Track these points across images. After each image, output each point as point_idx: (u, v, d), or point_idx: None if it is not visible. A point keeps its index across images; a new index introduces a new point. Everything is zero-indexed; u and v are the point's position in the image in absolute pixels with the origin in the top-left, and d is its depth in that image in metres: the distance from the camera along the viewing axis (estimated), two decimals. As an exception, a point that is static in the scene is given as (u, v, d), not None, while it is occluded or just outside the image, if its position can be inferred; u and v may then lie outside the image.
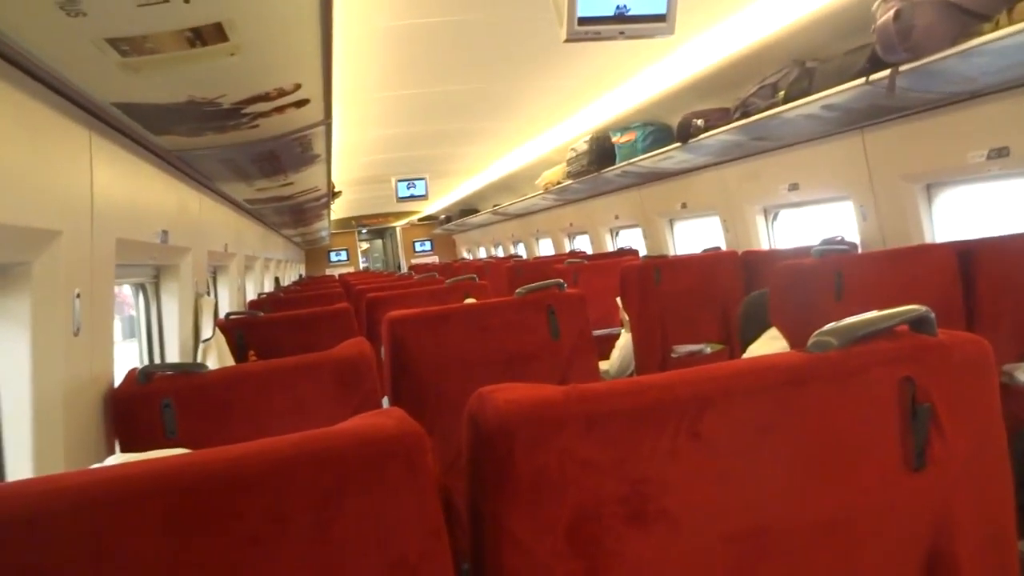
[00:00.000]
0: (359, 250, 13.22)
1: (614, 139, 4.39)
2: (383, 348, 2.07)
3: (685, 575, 0.73)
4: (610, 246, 6.05)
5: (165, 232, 2.18)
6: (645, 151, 4.08)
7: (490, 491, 0.70)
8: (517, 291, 2.07)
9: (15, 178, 1.21)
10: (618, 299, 3.38)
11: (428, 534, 0.66)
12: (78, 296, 1.45)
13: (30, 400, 1.33)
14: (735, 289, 3.24)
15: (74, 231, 1.44)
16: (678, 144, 3.65)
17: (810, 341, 0.79)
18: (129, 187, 1.87)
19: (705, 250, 3.81)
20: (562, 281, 2.11)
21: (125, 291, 2.56)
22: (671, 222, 4.99)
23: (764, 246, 3.93)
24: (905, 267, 2.11)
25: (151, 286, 2.45)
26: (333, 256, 12.56)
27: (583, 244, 6.80)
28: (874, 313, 0.80)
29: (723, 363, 0.79)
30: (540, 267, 4.62)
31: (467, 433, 0.74)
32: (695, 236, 4.75)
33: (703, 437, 0.72)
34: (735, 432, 0.74)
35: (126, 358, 2.34)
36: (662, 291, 3.23)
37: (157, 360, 2.47)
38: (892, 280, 2.14)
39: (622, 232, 6.01)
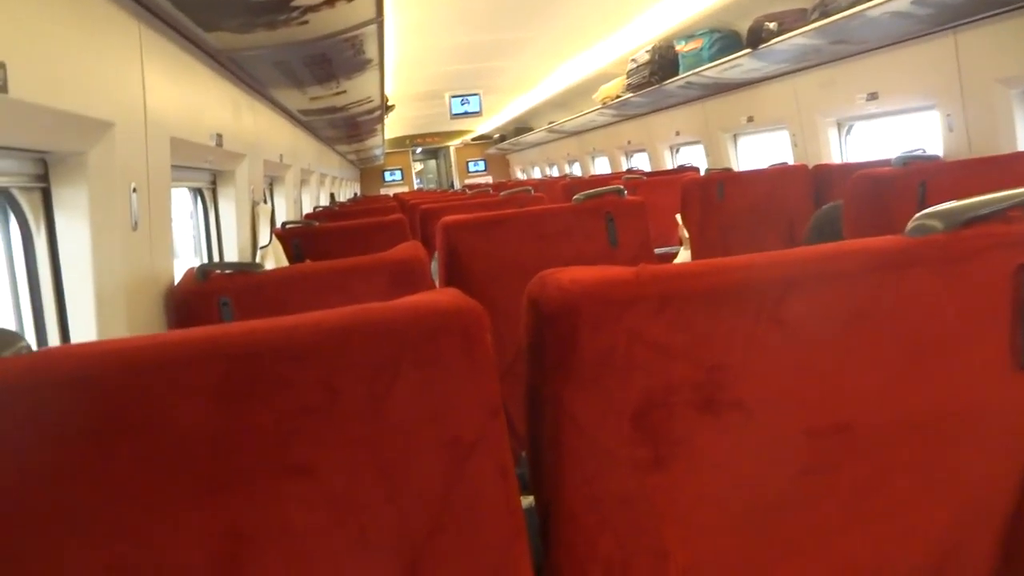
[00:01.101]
0: (413, 171, 13.18)
1: (678, 48, 4.16)
2: (437, 255, 2.04)
3: (759, 470, 0.68)
4: (670, 164, 5.84)
5: (219, 136, 2.16)
6: (711, 60, 3.85)
7: (552, 374, 0.66)
8: (575, 197, 2.00)
9: (66, 66, 1.18)
10: (678, 216, 3.26)
11: (485, 414, 0.63)
12: (134, 191, 1.45)
13: (93, 294, 1.34)
14: (804, 205, 3.09)
15: (127, 124, 1.42)
16: (748, 51, 3.42)
17: (909, 226, 0.71)
18: (181, 86, 1.84)
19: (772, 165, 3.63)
20: (622, 187, 2.02)
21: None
22: (735, 138, 4.76)
23: (836, 162, 3.72)
24: (997, 176, 1.95)
25: (208, 191, 2.46)
26: (387, 176, 12.55)
27: (641, 163, 6.58)
28: (985, 196, 0.71)
29: (812, 246, 0.71)
30: (596, 184, 4.50)
31: (527, 317, 0.69)
32: (760, 153, 4.53)
33: (786, 323, 0.66)
34: (822, 319, 0.67)
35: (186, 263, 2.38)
36: (725, 206, 3.10)
37: (216, 266, 2.50)
38: (983, 190, 1.98)
39: (683, 150, 5.79)
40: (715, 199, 3.09)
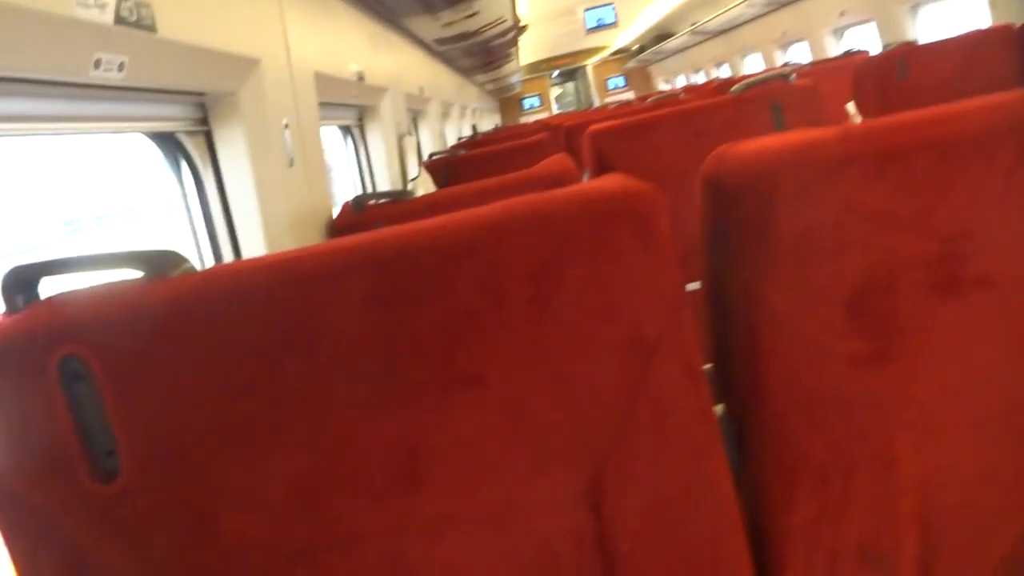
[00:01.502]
0: (551, 96, 12.94)
1: (841, -89, 3.63)
2: (586, 168, 1.95)
3: (1016, 360, 0.55)
4: (833, 52, 5.24)
5: (360, 70, 2.17)
6: (883, -82, 3.32)
7: (742, 262, 0.56)
8: (733, 88, 1.81)
9: (211, 5, 1.20)
10: (849, 106, 2.90)
11: (668, 308, 0.55)
12: (286, 127, 1.47)
13: (260, 228, 1.40)
14: (1011, 75, 2.62)
15: (272, 61, 1.43)
16: None
17: None
18: (319, 22, 1.85)
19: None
20: (790, 71, 1.80)
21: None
22: (914, 9, 4.15)
23: (1048, 19, 3.12)
24: None
25: (356, 129, 2.51)
26: (526, 103, 12.42)
27: (799, 55, 5.97)
28: None
29: None
30: (750, 82, 4.12)
31: (704, 202, 0.60)
32: (946, 26, 3.91)
33: (1054, 173, 0.52)
34: None
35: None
36: (909, 87, 2.70)
37: (370, 201, 2.57)
38: None
39: (848, 35, 5.15)
40: (895, 79, 2.70)
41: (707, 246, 0.62)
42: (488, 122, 9.15)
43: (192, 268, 0.60)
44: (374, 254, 0.56)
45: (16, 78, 0.80)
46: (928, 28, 4.10)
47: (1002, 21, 3.16)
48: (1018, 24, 2.92)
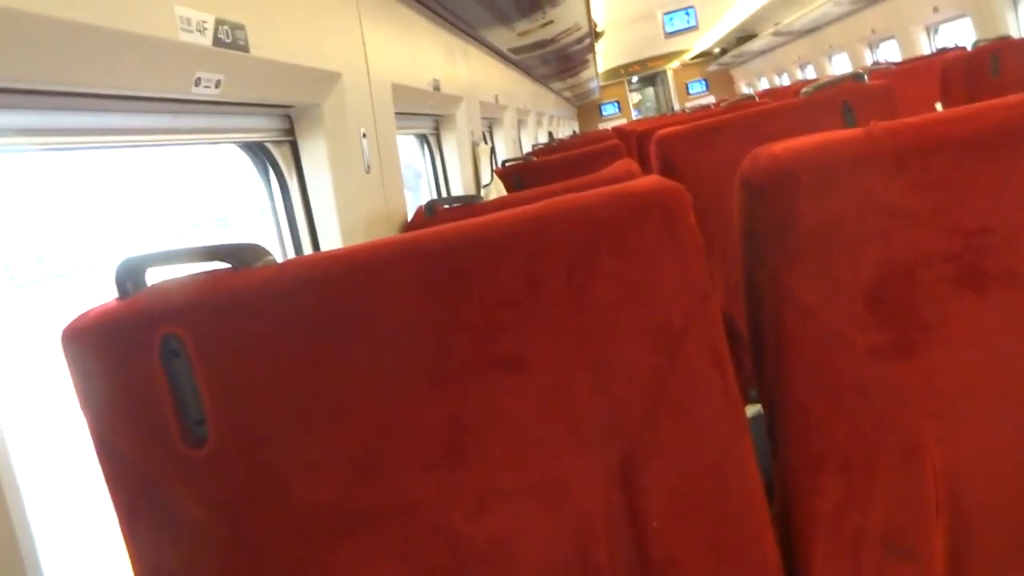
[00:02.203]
0: (630, 102, 12.86)
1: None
2: (654, 173, 1.97)
3: (1041, 354, 0.56)
4: (926, 50, 5.02)
5: (436, 80, 2.27)
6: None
7: (769, 254, 0.60)
8: (803, 90, 1.79)
9: (296, 24, 1.30)
10: (938, 105, 2.79)
11: (694, 298, 0.59)
12: (364, 136, 1.57)
13: (339, 232, 1.50)
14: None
15: (352, 74, 1.53)
16: None
17: None
18: (397, 35, 1.95)
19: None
20: (862, 72, 1.77)
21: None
22: (1016, 3, 3.93)
23: None
24: None
25: (432, 137, 2.61)
26: (604, 110, 12.40)
27: (890, 54, 5.74)
28: None
29: None
30: (833, 83, 4.00)
31: (739, 200, 0.63)
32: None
33: (1078, 168, 0.53)
34: None
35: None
36: (1003, 85, 2.58)
37: (444, 207, 2.67)
38: None
39: (942, 30, 4.92)
40: (988, 77, 2.59)
41: (742, 242, 0.65)
42: (565, 129, 9.20)
43: (273, 260, 0.68)
44: (426, 247, 0.62)
45: (125, 95, 0.92)
46: (1030, 22, 3.88)
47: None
48: None
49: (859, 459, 0.60)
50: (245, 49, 1.07)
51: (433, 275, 0.62)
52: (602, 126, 11.71)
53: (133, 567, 0.70)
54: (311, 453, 0.66)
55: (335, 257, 0.65)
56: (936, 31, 4.97)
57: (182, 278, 0.67)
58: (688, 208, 0.59)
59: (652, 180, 0.61)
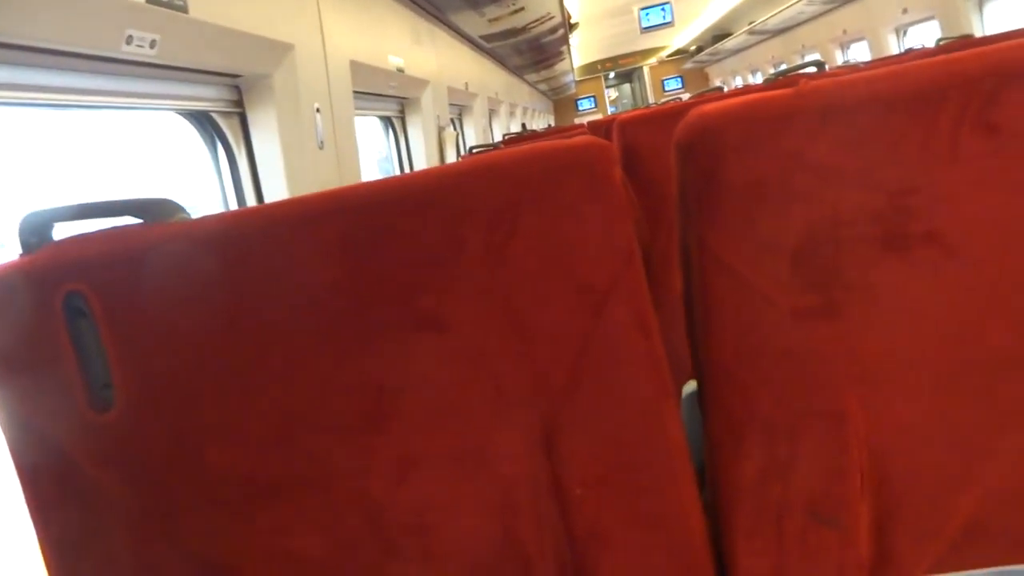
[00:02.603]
0: (607, 98, 12.88)
1: (901, -96, 3.53)
2: (617, 156, 1.96)
3: (968, 319, 0.55)
4: (895, 50, 5.08)
5: (400, 61, 2.23)
6: (944, -91, 3.22)
7: (696, 214, 0.58)
8: (764, 79, 1.79)
9: (244, -10, 1.27)
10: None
11: (618, 259, 0.57)
12: (318, 111, 1.54)
13: (290, 207, 1.47)
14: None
15: (306, 46, 1.50)
16: None
17: None
18: (358, 11, 1.91)
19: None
20: (822, 61, 1.77)
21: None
22: (980, 3, 3.99)
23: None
24: None
25: (398, 120, 2.57)
26: (581, 105, 12.40)
27: (861, 54, 5.80)
28: None
29: None
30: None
31: (674, 161, 0.62)
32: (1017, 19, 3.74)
33: (1001, 129, 0.51)
34: None
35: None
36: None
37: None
38: None
39: (911, 32, 4.99)
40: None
41: (677, 207, 0.64)
42: (541, 122, 9.18)
43: (187, 216, 0.65)
44: (345, 203, 0.60)
45: (52, 50, 0.88)
46: (995, 23, 3.94)
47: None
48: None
49: (782, 426, 0.59)
50: (183, 10, 1.03)
51: (352, 232, 0.59)
52: (578, 120, 11.71)
53: (38, 538, 0.67)
54: (224, 417, 0.64)
55: (251, 213, 0.62)
56: (905, 32, 5.04)
57: (89, 233, 0.64)
58: (613, 167, 0.57)
59: (579, 139, 0.59)
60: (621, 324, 0.58)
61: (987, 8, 4.00)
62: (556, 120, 11.81)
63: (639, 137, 1.77)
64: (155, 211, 0.64)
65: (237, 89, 1.41)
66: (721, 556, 0.65)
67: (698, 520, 0.62)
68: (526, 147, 0.60)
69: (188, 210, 0.65)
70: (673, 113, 1.81)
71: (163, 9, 0.98)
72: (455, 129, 3.09)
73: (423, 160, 2.62)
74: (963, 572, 0.65)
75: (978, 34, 3.95)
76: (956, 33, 4.05)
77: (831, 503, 0.60)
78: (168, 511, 0.67)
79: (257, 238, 0.61)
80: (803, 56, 7.17)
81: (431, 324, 0.60)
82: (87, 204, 0.66)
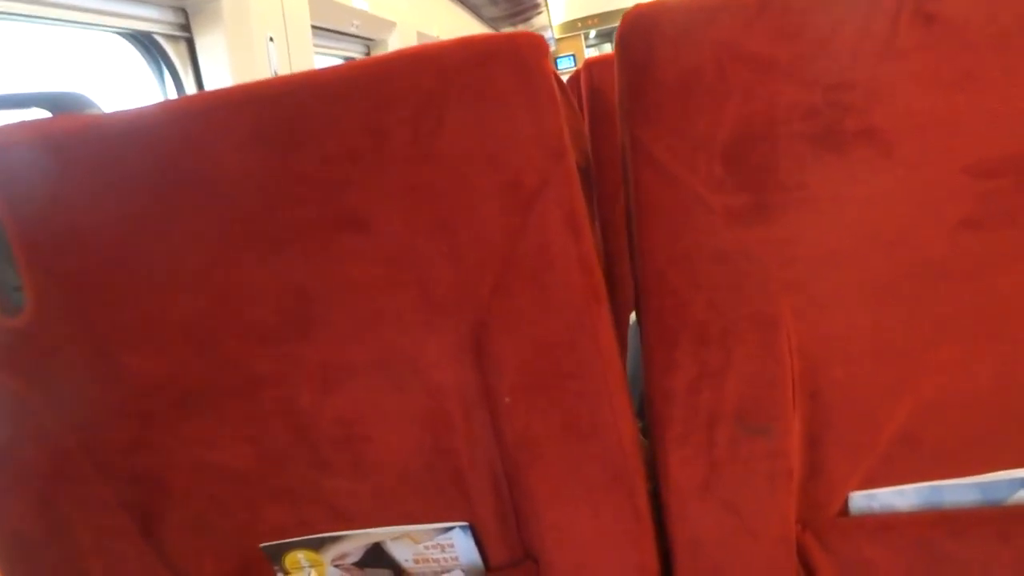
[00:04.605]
0: (587, 57, 12.71)
1: None
2: (584, 100, 1.92)
3: (904, 222, 0.54)
4: None
5: (364, -1, 2.16)
6: None
7: (630, 111, 0.56)
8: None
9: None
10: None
11: (548, 156, 0.55)
12: (272, 40, 1.48)
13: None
14: None
15: (258, -30, 1.43)
16: None
17: None
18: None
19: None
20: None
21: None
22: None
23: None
24: None
25: (362, 63, 2.50)
26: (560, 63, 12.22)
27: None
28: None
29: None
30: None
31: (615, 56, 0.59)
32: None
33: (940, 20, 0.50)
34: (994, 11, 0.50)
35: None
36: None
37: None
38: None
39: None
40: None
41: (617, 109, 0.61)
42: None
43: (99, 110, 0.61)
44: (260, 93, 0.56)
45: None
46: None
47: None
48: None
49: (714, 332, 0.57)
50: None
51: (270, 125, 0.56)
52: (557, 80, 11.51)
53: None
54: (141, 322, 0.61)
55: (164, 106, 0.59)
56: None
57: None
58: (545, 59, 0.54)
59: (511, 32, 0.57)
60: (550, 224, 0.56)
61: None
62: (534, 79, 11.58)
63: (605, 76, 1.74)
64: (65, 104, 0.60)
65: (184, 12, 1.35)
66: (654, 465, 0.64)
67: (629, 428, 0.61)
68: (457, 39, 0.57)
69: (99, 105, 0.62)
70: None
71: (92, -89, 0.92)
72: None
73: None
74: (893, 487, 0.65)
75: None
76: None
77: (762, 412, 0.60)
78: (85, 421, 0.64)
79: (170, 132, 0.57)
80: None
81: (354, 223, 0.57)
82: None
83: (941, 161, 0.52)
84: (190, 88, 1.38)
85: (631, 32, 0.54)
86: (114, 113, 0.60)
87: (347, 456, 0.65)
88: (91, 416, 0.64)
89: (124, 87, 1.39)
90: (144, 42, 1.31)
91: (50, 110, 0.60)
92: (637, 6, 0.55)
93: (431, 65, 0.54)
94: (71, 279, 0.60)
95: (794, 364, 0.58)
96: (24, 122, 0.60)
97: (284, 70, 1.54)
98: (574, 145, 0.58)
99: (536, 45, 0.54)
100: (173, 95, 1.39)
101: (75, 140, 0.58)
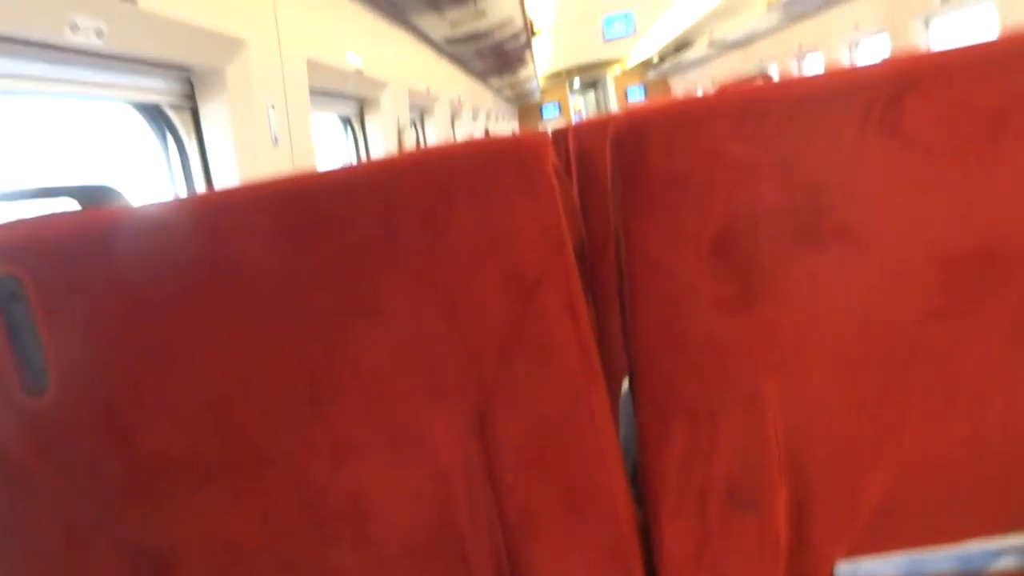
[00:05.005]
0: (572, 105, 12.99)
1: (853, -77, 3.67)
2: (572, 162, 1.99)
3: (878, 310, 0.59)
4: (847, 63, 5.23)
5: (359, 61, 2.24)
6: (893, -69, 3.35)
7: (624, 204, 0.60)
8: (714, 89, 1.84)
9: (196, -16, 1.26)
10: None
11: (549, 249, 0.59)
12: (272, 107, 1.53)
13: (242, 203, 1.46)
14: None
15: (260, 42, 1.50)
16: (937, -90, 2.92)
17: None
18: (315, 9, 1.91)
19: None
20: (768, 73, 1.83)
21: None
22: (927, 22, 4.15)
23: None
24: None
25: (356, 120, 2.57)
26: (546, 112, 12.48)
27: (816, 67, 5.98)
28: None
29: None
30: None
31: (608, 155, 0.64)
32: (961, 37, 3.91)
33: (903, 131, 0.55)
34: (952, 123, 0.55)
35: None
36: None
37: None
38: None
39: (864, 46, 5.16)
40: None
41: (610, 199, 0.66)
42: (505, 127, 9.22)
43: (126, 202, 0.65)
44: (283, 191, 0.61)
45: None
46: (940, 40, 4.10)
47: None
48: None
49: (704, 411, 0.61)
50: (131, 1, 1.03)
51: (290, 220, 0.60)
52: (542, 127, 11.78)
53: None
54: (159, 403, 0.64)
55: (190, 200, 0.63)
56: (857, 46, 5.20)
57: (25, 218, 0.64)
58: (545, 160, 0.59)
59: (515, 134, 0.62)
60: (551, 311, 0.60)
61: (933, 24, 4.15)
62: (520, 126, 11.87)
63: (592, 142, 1.81)
64: (93, 197, 0.64)
65: (189, 82, 1.40)
66: (648, 540, 0.67)
67: (625, 503, 0.64)
68: (462, 142, 0.62)
69: (126, 197, 0.66)
70: (626, 118, 1.85)
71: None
72: (416, 130, 3.09)
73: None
74: (877, 556, 0.68)
75: (926, 48, 4.09)
76: (903, 48, 4.21)
77: (750, 487, 0.63)
78: (101, 498, 0.67)
79: (195, 225, 0.61)
80: (762, 69, 7.35)
81: (366, 311, 0.61)
82: (26, 188, 0.65)
83: (909, 256, 0.57)
84: (193, 154, 1.43)
85: (625, 135, 0.59)
86: (142, 207, 0.64)
87: (353, 530, 0.68)
88: (106, 493, 0.66)
89: (129, 153, 1.43)
90: (150, 111, 1.36)
91: (80, 202, 0.64)
92: (629, 111, 0.60)
93: (440, 167, 0.59)
94: (94, 362, 0.63)
95: (779, 440, 0.62)
96: (55, 213, 0.64)
97: (283, 134, 1.60)
98: (570, 230, 0.62)
99: (537, 148, 0.59)
100: (177, 162, 1.43)
101: (103, 232, 0.62)
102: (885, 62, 0.56)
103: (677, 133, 0.56)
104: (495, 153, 0.59)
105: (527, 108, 12.03)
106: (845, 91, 0.55)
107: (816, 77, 0.56)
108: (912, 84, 0.55)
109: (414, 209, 0.59)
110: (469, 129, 5.41)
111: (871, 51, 4.92)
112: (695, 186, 0.57)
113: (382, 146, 2.63)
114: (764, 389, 0.61)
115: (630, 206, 0.59)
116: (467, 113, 5.30)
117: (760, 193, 0.56)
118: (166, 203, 0.65)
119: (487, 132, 6.84)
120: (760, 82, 0.59)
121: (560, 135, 3.93)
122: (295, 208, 0.60)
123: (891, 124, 0.55)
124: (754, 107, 0.56)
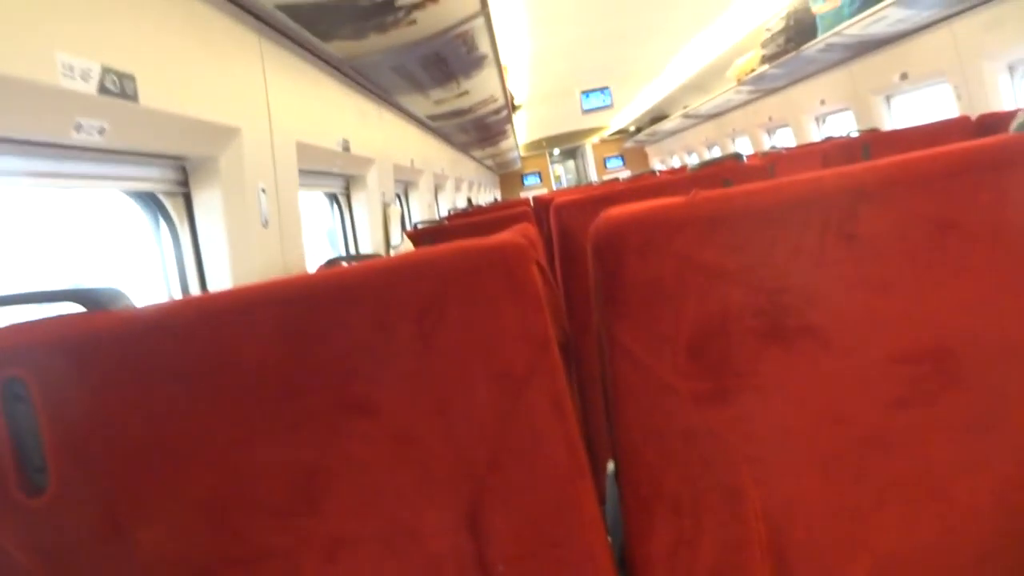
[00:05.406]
0: (552, 173, 13.28)
1: (814, 9, 3.89)
2: (553, 239, 2.05)
3: (844, 403, 0.62)
4: (816, 137, 5.46)
5: (346, 141, 2.31)
6: (852, 16, 3.56)
7: (605, 308, 0.64)
8: (690, 167, 1.93)
9: (191, 77, 1.32)
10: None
11: (535, 348, 0.63)
12: (263, 191, 1.58)
13: (232, 285, 1.49)
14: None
15: (253, 129, 1.55)
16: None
17: (1017, 121, 0.62)
18: (305, 95, 1.99)
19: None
20: (741, 153, 1.93)
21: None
22: (888, 99, 4.36)
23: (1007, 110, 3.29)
24: None
25: (343, 197, 2.63)
26: (526, 180, 12.74)
27: (785, 139, 6.21)
28: None
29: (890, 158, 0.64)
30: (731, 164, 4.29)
31: (589, 257, 0.68)
32: (922, 113, 4.11)
33: (859, 238, 0.60)
34: (903, 230, 0.60)
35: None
36: (872, 169, 2.84)
37: (354, 265, 2.67)
38: None
39: (830, 120, 5.39)
40: (860, 160, 2.84)
41: (592, 299, 0.70)
42: (487, 195, 9.39)
43: (131, 304, 0.68)
44: (281, 294, 0.64)
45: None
46: (900, 117, 4.31)
47: (964, 114, 3.35)
48: (975, 116, 3.09)
49: (686, 502, 0.64)
50: (134, 99, 1.07)
51: (287, 322, 0.63)
52: (524, 195, 12.01)
53: None
54: (157, 501, 0.65)
55: (191, 302, 0.66)
56: (824, 120, 5.43)
57: (31, 320, 0.66)
58: (529, 261, 0.63)
59: (500, 237, 0.66)
60: (538, 407, 0.63)
61: (894, 103, 4.36)
62: (502, 194, 12.09)
63: (573, 220, 1.87)
64: (99, 299, 0.67)
65: (183, 169, 1.44)
66: None
67: None
68: (452, 245, 0.66)
69: (130, 297, 0.68)
70: (605, 197, 1.92)
71: (114, 99, 1.03)
72: (400, 204, 3.16)
73: (368, 236, 2.67)
74: None
75: (886, 126, 4.30)
76: (869, 124, 4.41)
77: (735, 574, 0.65)
78: (96, 597, 0.67)
79: (196, 326, 0.64)
80: (734, 139, 7.61)
81: (361, 408, 0.64)
82: (31, 292, 0.68)
83: (870, 351, 0.61)
84: (185, 238, 1.46)
85: (603, 241, 0.63)
86: (144, 309, 0.67)
87: None
88: None
89: (121, 237, 1.46)
90: (144, 197, 1.40)
91: (84, 306, 0.67)
92: (606, 218, 0.65)
93: (431, 271, 0.63)
94: (94, 461, 0.65)
95: (759, 528, 0.65)
96: (60, 316, 0.66)
97: (273, 216, 1.64)
98: (555, 325, 0.66)
99: (522, 254, 0.63)
100: (168, 245, 1.46)
101: (106, 334, 0.64)
102: (839, 173, 0.62)
103: (652, 240, 0.61)
104: (482, 259, 0.63)
105: (508, 176, 12.28)
106: (805, 201, 0.60)
107: (778, 186, 0.61)
108: (866, 194, 0.60)
109: (407, 312, 0.62)
110: (452, 199, 5.52)
111: (837, 125, 5.14)
112: (669, 290, 0.61)
113: (367, 221, 2.68)
114: (743, 479, 0.63)
115: (610, 307, 0.63)
116: (450, 184, 5.41)
117: (730, 296, 0.61)
118: (167, 304, 0.68)
119: (469, 201, 6.97)
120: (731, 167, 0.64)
121: (541, 202, 4.02)
122: (294, 310, 0.63)
123: (848, 231, 0.60)
124: (722, 216, 0.61)
